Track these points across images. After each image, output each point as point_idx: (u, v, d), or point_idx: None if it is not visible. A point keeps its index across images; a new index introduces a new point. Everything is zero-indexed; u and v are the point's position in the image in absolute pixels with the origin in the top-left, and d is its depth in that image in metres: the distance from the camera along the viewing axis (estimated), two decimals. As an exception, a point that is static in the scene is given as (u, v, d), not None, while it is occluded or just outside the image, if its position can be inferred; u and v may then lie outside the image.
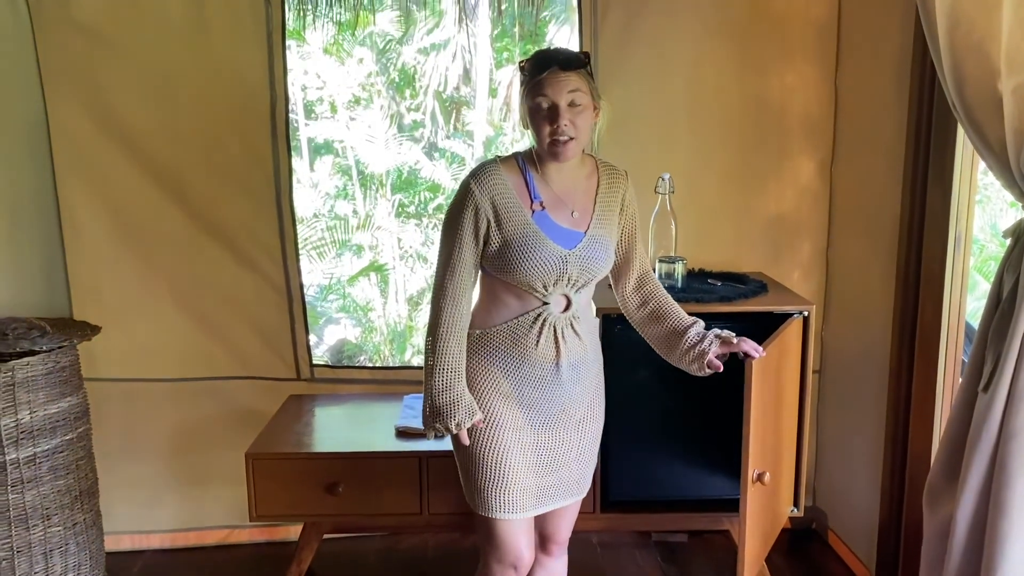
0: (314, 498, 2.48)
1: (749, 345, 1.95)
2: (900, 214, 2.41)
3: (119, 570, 2.89)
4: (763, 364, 1.97)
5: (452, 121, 7.98)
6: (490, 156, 7.95)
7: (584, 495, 2.07)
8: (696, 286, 2.55)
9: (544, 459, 1.95)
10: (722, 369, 1.94)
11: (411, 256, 7.31)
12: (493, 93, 8.03)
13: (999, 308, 1.80)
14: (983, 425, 1.77)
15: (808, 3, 2.75)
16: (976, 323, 2.44)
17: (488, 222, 1.85)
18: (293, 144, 2.82)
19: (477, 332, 1.93)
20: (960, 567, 1.83)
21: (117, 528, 2.95)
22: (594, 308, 2.14)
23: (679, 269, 2.52)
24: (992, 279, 1.85)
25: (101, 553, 2.75)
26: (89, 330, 2.66)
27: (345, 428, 2.73)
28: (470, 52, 7.62)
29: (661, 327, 2.03)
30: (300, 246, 2.91)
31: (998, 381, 1.74)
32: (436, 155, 7.60)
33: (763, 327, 2.34)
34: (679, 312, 2.04)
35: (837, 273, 2.88)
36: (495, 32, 7.61)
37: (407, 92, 7.58)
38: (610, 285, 2.11)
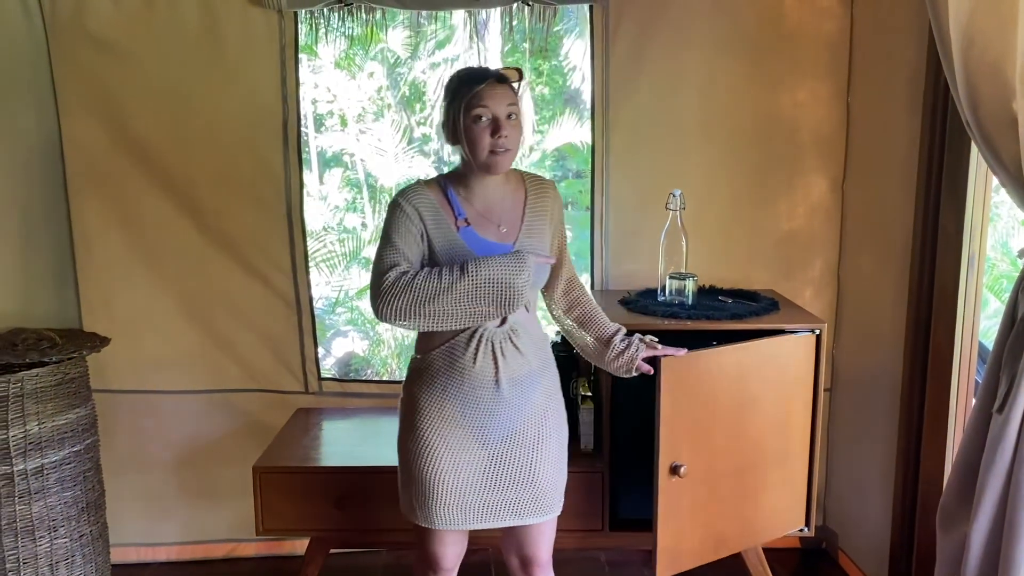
0: (321, 512, 2.47)
1: (671, 349, 2.05)
2: (913, 232, 2.40)
3: (125, 583, 2.88)
4: (679, 364, 2.10)
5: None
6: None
7: (554, 514, 2.00)
8: (707, 303, 2.54)
9: (495, 477, 1.91)
10: (652, 372, 2.04)
11: (419, 269, 7.28)
12: (503, 108, 8.06)
13: (1014, 328, 1.78)
14: (998, 447, 1.75)
15: (820, 20, 2.74)
16: (988, 342, 2.43)
17: (422, 230, 1.87)
18: (303, 157, 2.82)
19: (417, 357, 1.96)
20: (974, 590, 1.81)
21: (123, 540, 2.94)
22: (542, 323, 2.13)
23: (690, 286, 2.51)
24: (1003, 297, 1.83)
25: (107, 565, 2.75)
26: (98, 341, 2.67)
27: (352, 442, 2.72)
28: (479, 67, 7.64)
29: (588, 333, 2.09)
30: (309, 259, 2.92)
31: (1013, 402, 1.72)
32: (445, 168, 7.61)
33: (787, 347, 2.33)
34: (603, 319, 2.09)
35: (849, 291, 2.86)
36: (506, 48, 7.64)
37: (417, 106, 7.61)
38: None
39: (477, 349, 1.87)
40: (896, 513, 2.52)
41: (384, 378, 6.44)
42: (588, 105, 2.86)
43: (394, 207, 1.91)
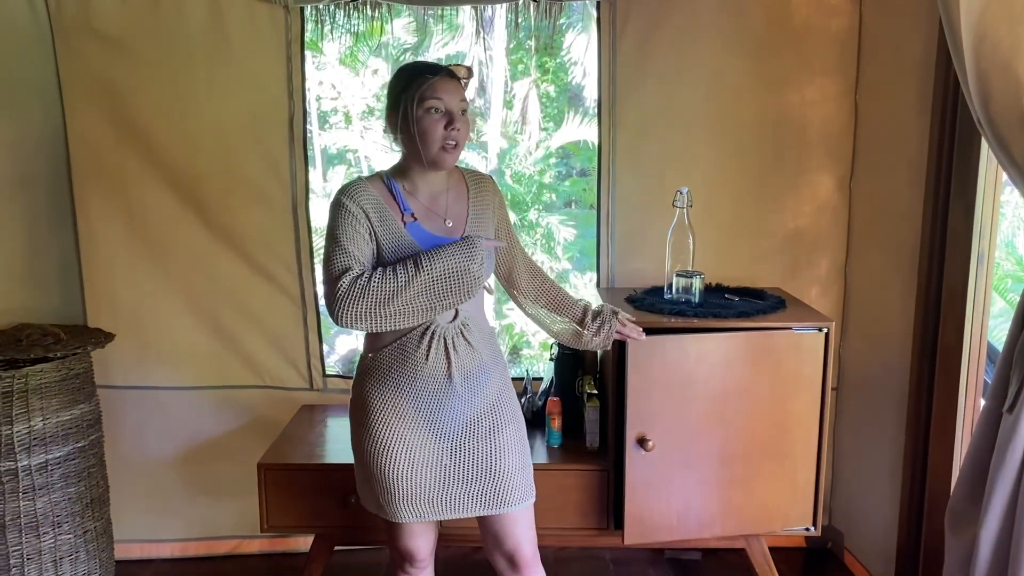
0: (325, 509, 2.47)
1: (634, 332, 2.14)
2: (921, 231, 2.38)
3: (128, 579, 2.88)
4: (649, 342, 2.23)
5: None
6: (502, 168, 7.97)
7: (524, 504, 1.98)
8: (714, 301, 2.53)
9: (456, 470, 1.91)
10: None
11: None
12: (508, 105, 8.05)
13: (1024, 328, 1.77)
14: (1007, 447, 1.73)
15: (828, 17, 2.73)
16: (993, 342, 2.41)
17: (369, 228, 1.85)
18: (308, 154, 2.82)
19: (369, 356, 1.94)
20: (983, 591, 1.80)
21: (127, 536, 2.94)
22: (491, 316, 2.14)
23: (697, 284, 2.50)
24: (1008, 296, 1.82)
25: (111, 561, 2.75)
26: (103, 337, 2.66)
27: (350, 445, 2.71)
28: (485, 64, 7.64)
29: (560, 317, 2.14)
30: (315, 256, 2.91)
31: (1023, 403, 1.71)
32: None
33: (781, 343, 2.34)
34: (571, 301, 2.14)
35: (856, 290, 2.85)
36: (511, 45, 7.63)
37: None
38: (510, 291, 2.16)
39: (429, 345, 1.87)
40: (903, 513, 2.51)
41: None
42: (590, 102, 2.86)
43: (337, 207, 1.86)
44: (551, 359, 2.71)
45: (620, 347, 2.29)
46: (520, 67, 8.08)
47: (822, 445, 2.41)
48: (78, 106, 2.74)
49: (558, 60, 7.71)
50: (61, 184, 2.79)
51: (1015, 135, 1.69)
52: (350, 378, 2.98)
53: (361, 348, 2.04)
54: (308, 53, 2.83)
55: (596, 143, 2.87)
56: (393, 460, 1.89)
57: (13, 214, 2.77)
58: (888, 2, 2.60)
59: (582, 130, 7.61)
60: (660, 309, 2.45)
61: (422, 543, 2.03)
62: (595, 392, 2.54)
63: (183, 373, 2.92)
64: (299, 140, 2.80)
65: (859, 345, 2.83)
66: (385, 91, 1.93)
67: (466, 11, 2.92)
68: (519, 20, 2.87)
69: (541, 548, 2.07)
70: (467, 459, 1.92)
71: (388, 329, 1.83)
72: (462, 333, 1.90)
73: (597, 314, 2.12)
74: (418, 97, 1.80)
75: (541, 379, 2.83)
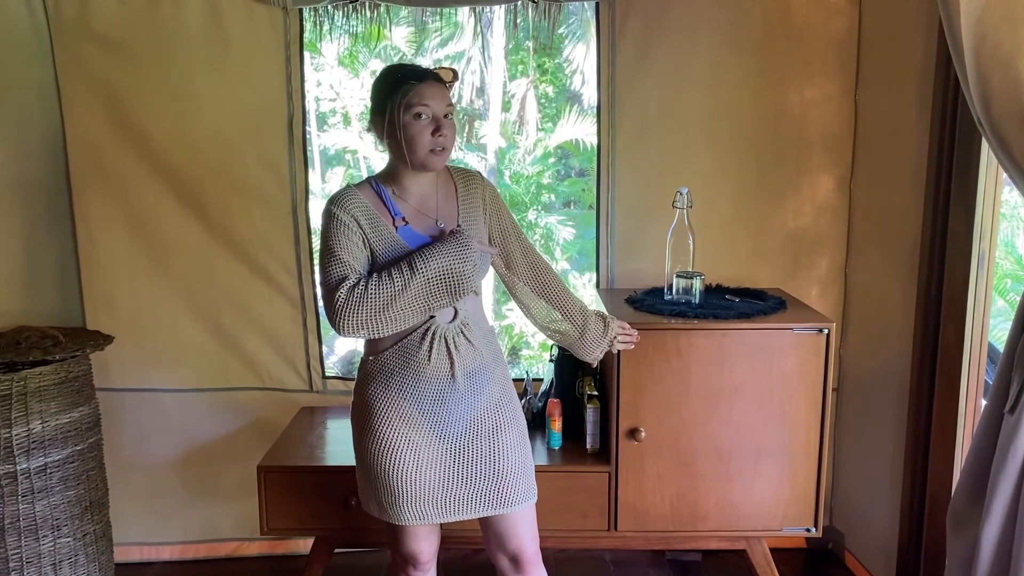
0: (325, 511, 2.46)
1: (630, 340, 2.20)
2: (921, 231, 2.38)
3: (128, 582, 2.87)
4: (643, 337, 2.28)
5: (465, 133, 8.00)
6: (501, 168, 7.97)
7: (526, 503, 1.98)
8: (714, 302, 2.53)
9: (459, 471, 1.91)
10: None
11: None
12: (506, 106, 8.05)
13: (1026, 328, 1.77)
14: (1009, 448, 1.73)
15: (828, 17, 2.73)
16: (995, 342, 2.41)
17: (362, 236, 1.85)
18: (307, 155, 2.81)
19: (370, 359, 1.94)
20: (985, 592, 1.79)
21: (127, 539, 2.93)
22: (491, 317, 2.13)
23: (697, 284, 2.49)
24: (1008, 296, 1.82)
25: (110, 564, 2.74)
26: (102, 340, 2.66)
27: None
28: (484, 65, 7.64)
29: (557, 325, 2.11)
30: (314, 257, 2.91)
31: (1025, 403, 1.70)
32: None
33: (781, 344, 2.34)
34: (572, 309, 2.10)
35: (856, 290, 2.85)
36: (509, 45, 7.63)
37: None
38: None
39: (431, 346, 1.87)
40: (904, 514, 2.51)
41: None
42: (589, 105, 2.86)
43: (329, 217, 1.86)
44: (551, 360, 2.71)
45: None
46: (519, 67, 8.09)
47: (823, 446, 2.41)
48: (77, 108, 2.74)
49: (556, 60, 7.72)
50: (60, 186, 2.79)
51: (1016, 135, 1.68)
52: (350, 379, 2.99)
53: (360, 350, 2.03)
54: (307, 54, 2.82)
55: (594, 142, 2.87)
56: (398, 463, 1.88)
57: (12, 216, 2.77)
58: (888, 2, 2.60)
59: (580, 128, 7.61)
60: (660, 310, 2.45)
61: (425, 546, 2.03)
62: (595, 393, 2.54)
63: (182, 375, 2.92)
64: (298, 141, 2.79)
65: (859, 346, 2.83)
66: (375, 89, 1.91)
67: (465, 11, 2.90)
68: (518, 21, 2.86)
69: (542, 549, 2.07)
70: (470, 460, 1.92)
71: (389, 333, 1.84)
72: (463, 332, 1.91)
73: (598, 329, 2.12)
74: (404, 104, 1.80)
75: (541, 380, 2.82)
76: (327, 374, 2.98)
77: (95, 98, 2.73)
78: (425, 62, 7.46)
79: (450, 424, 1.91)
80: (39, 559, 2.47)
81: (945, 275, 2.30)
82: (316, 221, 2.83)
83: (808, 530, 2.47)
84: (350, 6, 2.76)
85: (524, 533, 2.00)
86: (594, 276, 2.97)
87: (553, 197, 8.29)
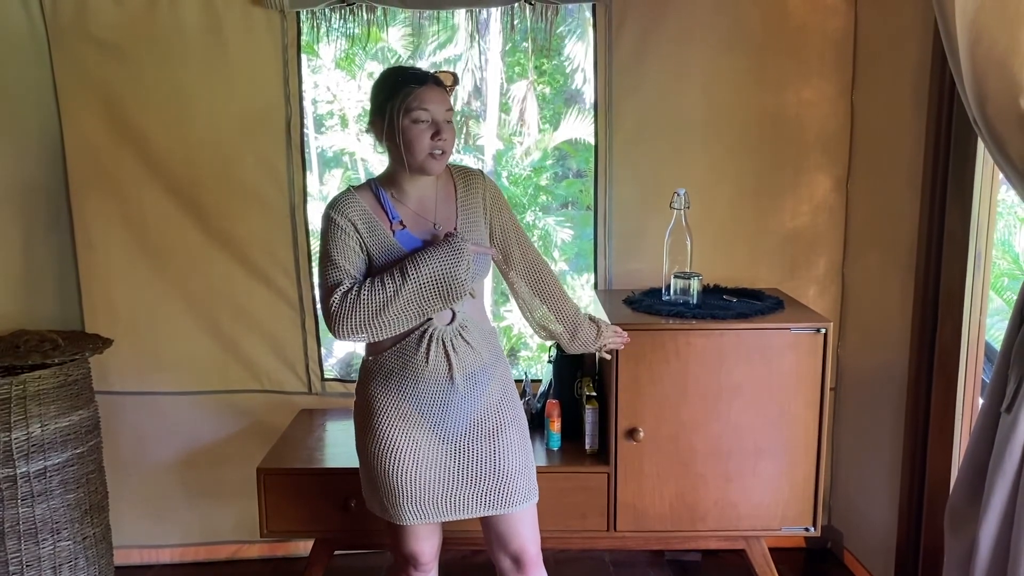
0: (325, 514, 2.46)
1: (620, 340, 2.24)
2: (918, 231, 2.39)
3: (128, 585, 2.88)
4: (640, 337, 2.35)
5: (463, 135, 8.00)
6: (499, 170, 7.97)
7: (528, 504, 1.99)
8: (712, 302, 2.53)
9: (460, 471, 1.92)
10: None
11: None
12: (504, 107, 8.05)
13: (1022, 327, 1.77)
14: (1006, 446, 1.74)
15: (824, 18, 2.73)
16: (992, 340, 2.42)
17: (359, 240, 1.87)
18: (305, 157, 2.82)
19: (369, 359, 1.96)
20: (983, 591, 1.80)
21: (126, 542, 2.94)
22: (490, 315, 2.13)
23: (694, 285, 2.50)
24: (1005, 295, 1.83)
25: (110, 567, 2.74)
26: (101, 343, 2.66)
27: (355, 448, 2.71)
28: (481, 67, 7.65)
29: (552, 325, 2.13)
30: (313, 260, 2.91)
31: (1022, 402, 1.71)
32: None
33: (779, 344, 2.35)
34: (565, 310, 2.12)
35: (853, 290, 2.85)
36: (507, 47, 7.64)
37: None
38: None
39: (429, 348, 1.88)
40: (902, 513, 2.51)
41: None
42: (588, 105, 2.86)
43: (328, 222, 1.88)
44: (549, 361, 2.71)
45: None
46: (516, 69, 8.09)
47: (821, 445, 2.42)
48: (75, 111, 2.74)
49: (555, 62, 7.72)
50: (58, 189, 2.79)
51: (1011, 135, 1.69)
52: (348, 382, 3.00)
53: (359, 353, 2.04)
54: (304, 57, 2.83)
55: (592, 142, 2.87)
56: (398, 462, 1.89)
57: (10, 220, 2.77)
58: (884, 3, 2.61)
59: (580, 128, 7.61)
60: (658, 311, 2.46)
61: (426, 546, 2.03)
62: (594, 394, 2.54)
63: (181, 378, 2.92)
64: (296, 144, 2.80)
65: (857, 345, 2.84)
66: (375, 91, 1.91)
67: (461, 14, 2.91)
68: (515, 22, 2.87)
69: (542, 550, 2.07)
70: (471, 460, 1.93)
71: (384, 337, 1.86)
72: (461, 335, 1.91)
73: (589, 334, 2.15)
74: (404, 108, 1.81)
75: (540, 381, 2.83)
76: (326, 376, 2.98)
77: (93, 101, 2.73)
78: (423, 65, 7.46)
79: (450, 424, 1.92)
80: (39, 562, 2.47)
81: (942, 274, 2.31)
82: (314, 223, 2.84)
83: (807, 529, 2.48)
84: (347, 8, 2.76)
85: (526, 533, 2.01)
86: (592, 277, 2.98)
87: (551, 198, 8.30)
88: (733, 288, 2.73)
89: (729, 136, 2.81)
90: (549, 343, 2.63)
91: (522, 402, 2.12)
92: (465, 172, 2.03)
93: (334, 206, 1.89)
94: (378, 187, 1.93)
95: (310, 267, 2.88)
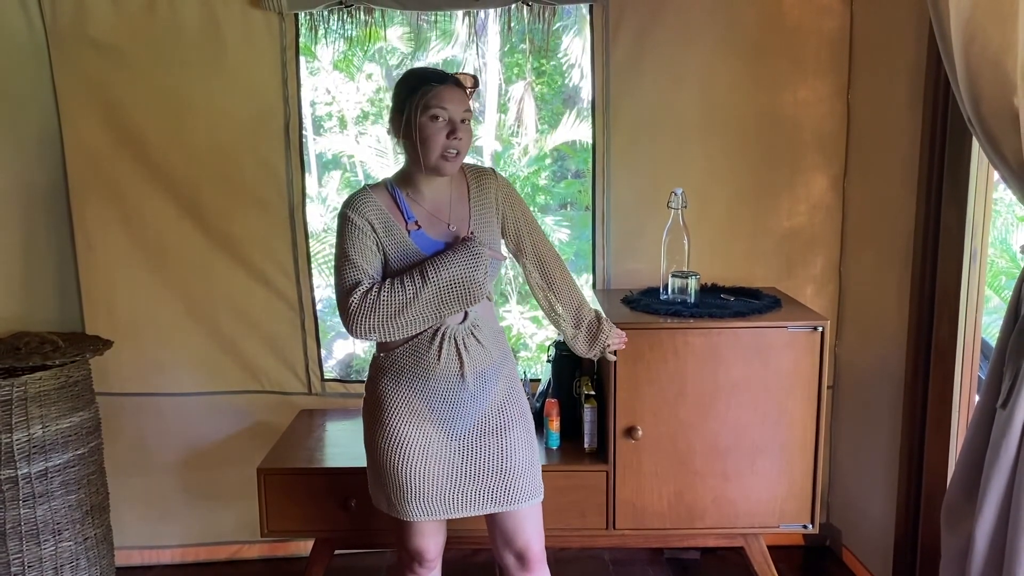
0: (325, 513, 2.47)
1: (619, 341, 2.20)
2: (914, 229, 2.40)
3: (129, 585, 2.88)
4: (638, 336, 2.35)
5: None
6: (497, 171, 7.97)
7: (533, 501, 2.01)
8: (710, 301, 2.54)
9: (467, 468, 1.94)
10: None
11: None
12: (503, 108, 8.05)
13: (1017, 324, 1.78)
14: (1002, 442, 1.75)
15: (820, 18, 2.75)
16: (988, 339, 2.43)
17: (376, 240, 1.88)
18: (304, 159, 2.83)
19: (381, 356, 1.97)
20: (980, 586, 1.81)
21: (127, 543, 2.94)
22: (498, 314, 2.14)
23: (692, 284, 2.51)
24: (1003, 294, 1.84)
25: (111, 568, 2.75)
26: (101, 344, 2.67)
27: (356, 443, 2.68)
28: (479, 68, 7.65)
29: (562, 318, 2.14)
30: (312, 261, 2.92)
31: (1016, 398, 1.72)
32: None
33: (777, 342, 2.36)
34: (577, 303, 2.13)
35: (851, 288, 2.87)
36: (505, 48, 7.64)
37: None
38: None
39: (441, 347, 1.89)
40: (900, 510, 2.53)
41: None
42: (587, 104, 2.87)
43: (344, 221, 1.89)
44: (548, 361, 2.72)
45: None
46: (515, 70, 8.09)
47: (819, 443, 2.43)
48: (74, 114, 2.75)
49: (553, 62, 7.72)
50: (58, 192, 2.80)
51: (1005, 133, 1.70)
52: (348, 382, 3.01)
53: (359, 353, 2.05)
54: (302, 59, 2.84)
55: (591, 144, 2.89)
56: (406, 458, 1.91)
57: (10, 222, 2.78)
58: (879, 3, 2.62)
59: (578, 130, 7.61)
60: (656, 310, 2.47)
61: (431, 543, 2.04)
62: (592, 393, 2.56)
63: (182, 379, 2.93)
64: (295, 146, 2.81)
65: (854, 343, 2.85)
66: (387, 95, 1.94)
67: (459, 15, 2.92)
68: (512, 24, 2.88)
69: (542, 549, 2.08)
70: (477, 457, 1.94)
71: (401, 337, 1.87)
72: (472, 333, 1.93)
73: (592, 327, 2.15)
74: (422, 104, 1.82)
75: (539, 381, 2.84)
76: (326, 377, 2.99)
77: (92, 104, 2.74)
78: (420, 66, 7.46)
79: (459, 421, 1.94)
80: (40, 563, 2.48)
81: (938, 272, 2.32)
82: (313, 225, 2.85)
83: (805, 527, 2.49)
84: (345, 10, 2.77)
85: (531, 531, 2.03)
86: (590, 277, 2.99)
87: (549, 199, 8.29)
88: (731, 287, 2.74)
89: (726, 136, 2.82)
90: (549, 344, 2.65)
91: (526, 398, 2.14)
92: (478, 171, 2.04)
93: (351, 205, 1.90)
94: (394, 187, 1.94)
95: (309, 268, 2.89)
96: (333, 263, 1.93)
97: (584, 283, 3.65)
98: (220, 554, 3.05)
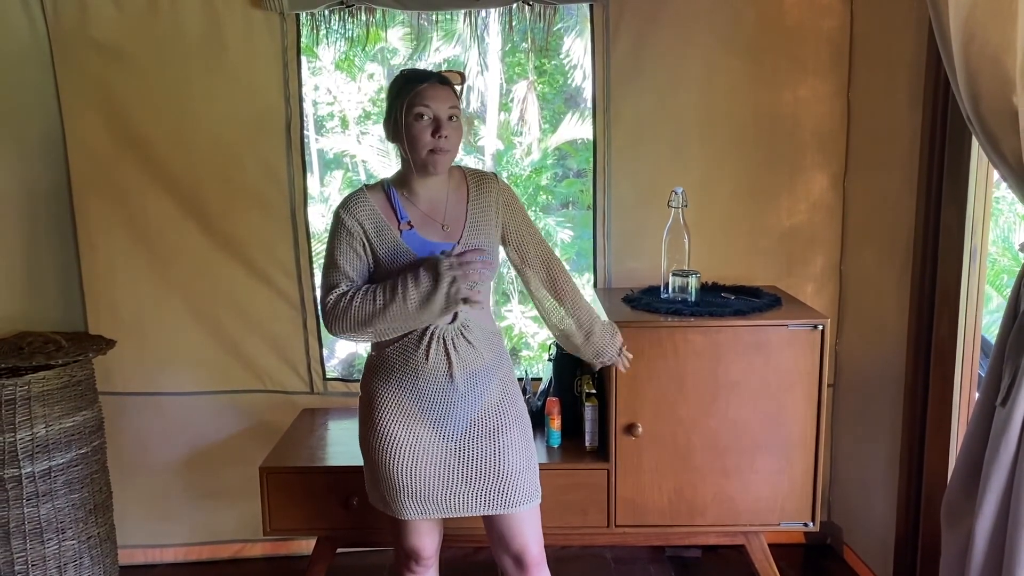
0: (328, 512, 2.48)
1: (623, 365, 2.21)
2: (914, 227, 2.40)
3: (132, 584, 2.89)
4: (638, 334, 2.37)
5: (465, 136, 8.01)
6: (498, 170, 7.99)
7: (529, 505, 2.00)
8: (710, 300, 2.55)
9: (461, 470, 1.94)
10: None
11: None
12: (505, 108, 8.06)
13: (1016, 322, 1.79)
14: (1001, 440, 1.75)
15: (820, 16, 2.75)
16: (990, 337, 2.43)
17: (364, 243, 1.91)
18: (305, 159, 2.84)
19: (372, 354, 1.99)
20: (979, 583, 1.82)
21: (130, 542, 2.95)
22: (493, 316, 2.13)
23: (692, 283, 2.52)
24: (1004, 292, 1.85)
25: (115, 567, 2.76)
26: (104, 344, 2.68)
27: (358, 442, 2.72)
28: (480, 67, 7.66)
29: (566, 335, 2.15)
30: (313, 260, 2.93)
31: (1016, 395, 1.73)
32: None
33: (777, 340, 2.37)
34: (582, 313, 2.12)
35: (851, 287, 2.87)
36: (506, 47, 7.65)
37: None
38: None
39: (429, 345, 1.90)
40: (901, 508, 2.53)
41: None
42: (588, 103, 2.87)
43: (336, 221, 1.94)
44: (549, 360, 2.73)
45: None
46: (517, 70, 8.10)
47: (819, 441, 2.44)
48: (77, 114, 2.76)
49: (554, 62, 7.73)
50: (61, 192, 2.81)
51: (1004, 132, 1.71)
52: (350, 381, 3.01)
53: (361, 352, 2.06)
54: (303, 59, 2.85)
55: (592, 143, 2.89)
56: (396, 456, 1.92)
57: (13, 223, 2.79)
58: (879, 2, 2.62)
59: (580, 129, 7.63)
60: (657, 309, 2.47)
61: (427, 542, 2.05)
62: (594, 392, 2.56)
63: (184, 379, 2.94)
64: (296, 145, 2.81)
65: (855, 341, 2.85)
66: (382, 95, 1.96)
67: (460, 15, 2.92)
68: (513, 23, 2.88)
69: (544, 548, 2.08)
70: (471, 459, 1.95)
71: (376, 340, 1.92)
72: (462, 334, 1.93)
73: (604, 332, 2.14)
74: (406, 105, 1.85)
75: (540, 379, 2.84)
76: (328, 376, 3.00)
77: (95, 104, 2.75)
78: (422, 66, 7.47)
79: (451, 422, 1.94)
80: (44, 562, 2.49)
81: (938, 270, 2.33)
82: (315, 225, 2.86)
83: (805, 525, 2.49)
84: (346, 10, 2.78)
85: (528, 534, 2.02)
86: (592, 276, 3.00)
87: (551, 198, 8.30)
88: (731, 285, 2.75)
89: (726, 134, 2.83)
90: (550, 342, 2.65)
91: (523, 400, 2.14)
92: (479, 175, 2.05)
93: (344, 205, 1.94)
94: (390, 187, 1.97)
95: (311, 268, 2.90)
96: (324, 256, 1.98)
97: (585, 282, 3.65)
98: (223, 553, 3.06)
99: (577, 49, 7.20)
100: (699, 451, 2.44)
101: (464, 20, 2.95)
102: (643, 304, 2.53)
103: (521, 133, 8.19)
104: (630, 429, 2.42)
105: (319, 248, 2.70)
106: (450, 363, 1.91)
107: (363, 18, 2.82)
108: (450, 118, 1.87)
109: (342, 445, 2.64)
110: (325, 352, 3.02)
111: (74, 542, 2.56)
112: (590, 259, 2.97)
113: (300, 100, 2.80)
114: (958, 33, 1.72)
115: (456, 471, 1.94)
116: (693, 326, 2.38)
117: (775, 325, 2.39)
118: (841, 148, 2.83)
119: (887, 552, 2.62)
